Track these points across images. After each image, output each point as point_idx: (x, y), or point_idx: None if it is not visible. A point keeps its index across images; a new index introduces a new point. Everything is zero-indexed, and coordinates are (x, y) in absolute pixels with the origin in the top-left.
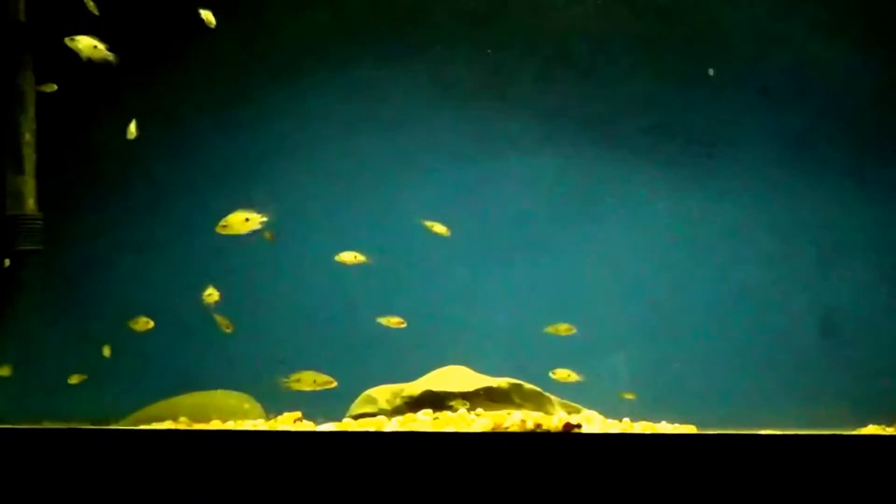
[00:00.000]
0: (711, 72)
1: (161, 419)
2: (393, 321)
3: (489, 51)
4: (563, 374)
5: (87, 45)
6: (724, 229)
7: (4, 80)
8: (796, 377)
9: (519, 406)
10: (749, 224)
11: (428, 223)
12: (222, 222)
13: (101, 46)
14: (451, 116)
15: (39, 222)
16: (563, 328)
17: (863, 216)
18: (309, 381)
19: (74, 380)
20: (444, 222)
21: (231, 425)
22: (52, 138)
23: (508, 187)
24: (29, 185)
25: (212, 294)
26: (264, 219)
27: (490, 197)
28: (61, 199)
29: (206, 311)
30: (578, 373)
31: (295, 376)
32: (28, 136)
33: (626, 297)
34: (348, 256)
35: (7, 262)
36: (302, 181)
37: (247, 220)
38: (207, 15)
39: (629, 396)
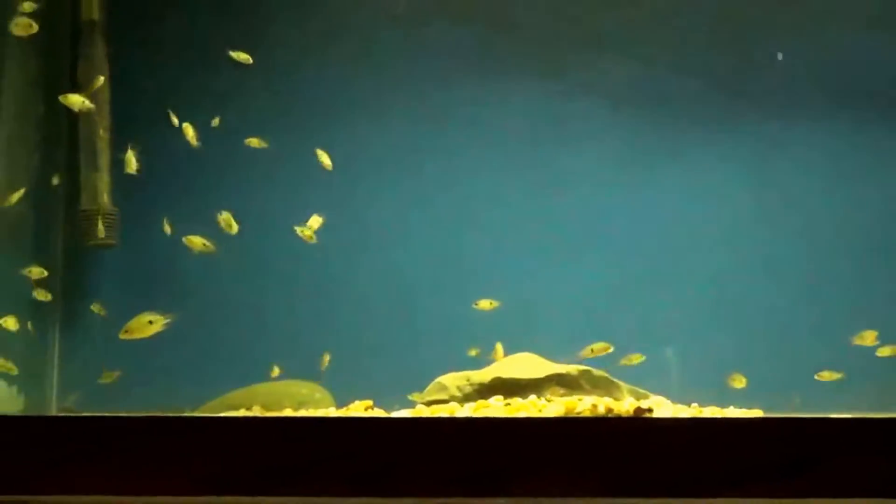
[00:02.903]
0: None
1: (235, 408)
2: (484, 304)
3: None
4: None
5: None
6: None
7: (79, 77)
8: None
9: (588, 392)
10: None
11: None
12: (126, 327)
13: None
14: None
15: (114, 217)
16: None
17: None
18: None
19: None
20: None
21: (304, 414)
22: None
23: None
24: (104, 181)
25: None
26: (167, 320)
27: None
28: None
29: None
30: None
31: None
32: (102, 132)
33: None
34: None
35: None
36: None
37: (150, 322)
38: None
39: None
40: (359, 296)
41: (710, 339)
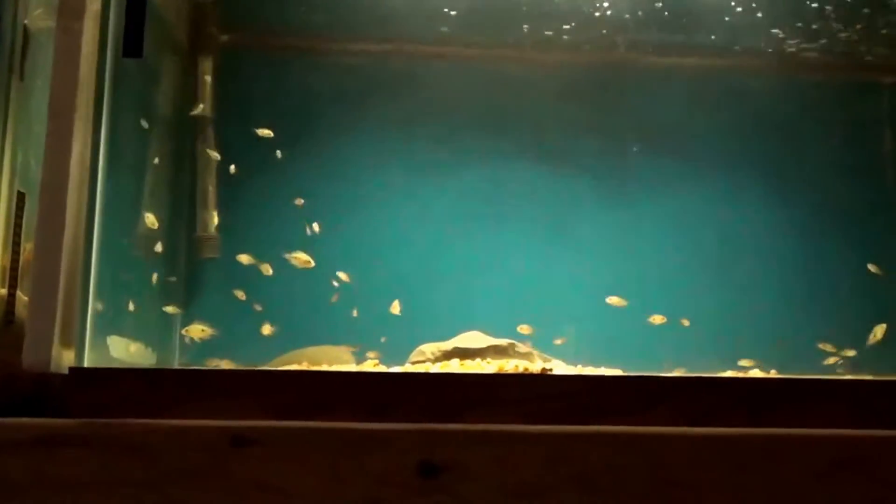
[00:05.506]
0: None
1: (290, 363)
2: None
3: None
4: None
5: None
6: None
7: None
8: None
9: (513, 357)
10: None
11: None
12: (186, 328)
13: None
14: None
15: (217, 240)
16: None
17: None
18: None
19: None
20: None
21: (334, 368)
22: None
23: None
24: (212, 218)
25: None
26: (213, 331)
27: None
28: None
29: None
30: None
31: None
32: (211, 188)
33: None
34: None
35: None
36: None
37: (203, 329)
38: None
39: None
40: (366, 301)
41: (584, 327)
